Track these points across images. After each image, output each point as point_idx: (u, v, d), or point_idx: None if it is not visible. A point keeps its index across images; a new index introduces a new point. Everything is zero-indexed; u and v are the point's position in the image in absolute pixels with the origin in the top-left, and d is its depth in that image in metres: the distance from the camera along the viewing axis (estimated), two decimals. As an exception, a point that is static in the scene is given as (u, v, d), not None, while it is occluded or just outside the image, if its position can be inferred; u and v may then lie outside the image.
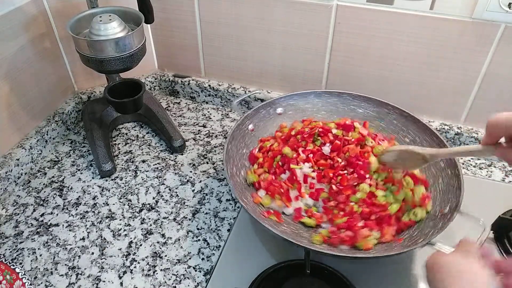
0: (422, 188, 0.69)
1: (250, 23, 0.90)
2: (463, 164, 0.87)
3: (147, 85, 1.06)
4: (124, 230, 0.74)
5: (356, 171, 0.69)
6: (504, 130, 0.49)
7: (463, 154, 0.62)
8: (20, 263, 0.69)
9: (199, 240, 0.73)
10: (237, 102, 0.86)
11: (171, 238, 0.73)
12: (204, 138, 0.95)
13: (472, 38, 0.76)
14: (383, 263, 0.67)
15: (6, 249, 0.71)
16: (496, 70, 0.78)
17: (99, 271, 0.68)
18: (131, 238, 0.73)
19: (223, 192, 0.81)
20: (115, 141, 0.94)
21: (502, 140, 0.51)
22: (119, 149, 0.92)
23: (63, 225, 0.75)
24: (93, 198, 0.80)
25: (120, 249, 0.71)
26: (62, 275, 0.67)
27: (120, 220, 0.76)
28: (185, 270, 0.68)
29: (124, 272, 0.68)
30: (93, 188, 0.82)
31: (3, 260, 0.65)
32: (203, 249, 0.71)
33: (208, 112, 1.03)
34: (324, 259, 0.65)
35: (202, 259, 0.69)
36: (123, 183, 0.83)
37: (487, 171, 0.86)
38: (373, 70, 0.87)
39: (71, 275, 0.67)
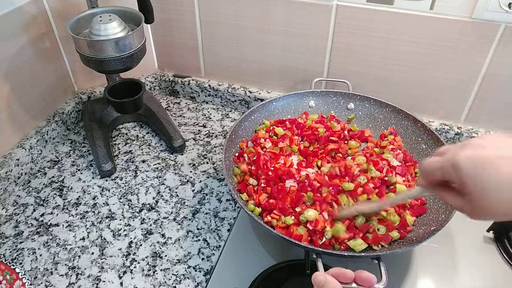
0: (411, 219, 0.67)
1: (250, 23, 0.90)
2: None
3: (147, 85, 1.06)
4: (124, 230, 0.74)
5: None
6: (437, 176, 0.46)
7: (405, 199, 0.63)
8: (20, 263, 0.69)
9: (199, 240, 0.73)
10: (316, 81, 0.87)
11: (171, 238, 0.73)
12: (204, 138, 0.95)
13: (472, 38, 0.76)
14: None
15: (6, 249, 0.71)
16: (496, 70, 0.78)
17: (99, 271, 0.68)
18: (131, 238, 0.73)
19: (223, 192, 0.81)
20: (115, 141, 0.94)
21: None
22: (119, 149, 0.92)
23: (63, 225, 0.75)
24: (93, 198, 0.80)
25: (120, 249, 0.71)
26: (62, 275, 0.67)
27: (120, 220, 0.76)
28: (185, 270, 0.68)
29: (124, 272, 0.68)
30: (93, 188, 0.82)
31: (3, 260, 0.65)
32: (203, 249, 0.71)
33: (208, 112, 1.03)
34: (324, 259, 0.65)
35: (202, 259, 0.69)
36: (123, 183, 0.83)
37: (487, 171, 0.85)
38: (373, 70, 0.87)
39: (71, 275, 0.67)
